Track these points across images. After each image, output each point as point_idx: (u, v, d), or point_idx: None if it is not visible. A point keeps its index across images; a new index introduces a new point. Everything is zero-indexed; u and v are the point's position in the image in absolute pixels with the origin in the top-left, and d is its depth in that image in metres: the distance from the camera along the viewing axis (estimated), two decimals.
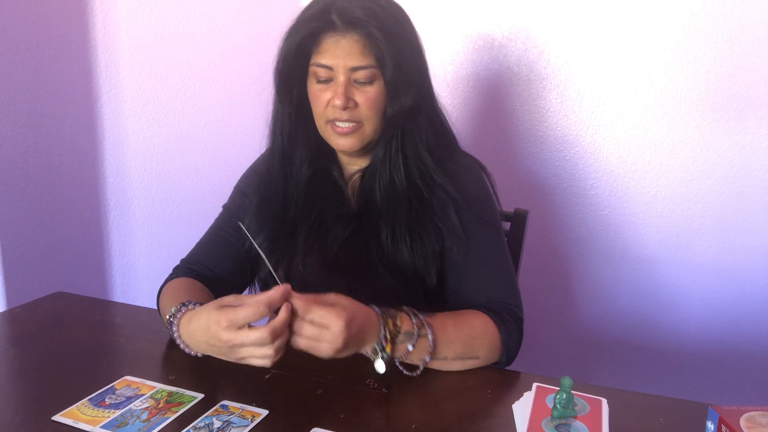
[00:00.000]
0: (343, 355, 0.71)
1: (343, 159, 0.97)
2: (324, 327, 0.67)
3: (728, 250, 1.44)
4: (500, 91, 1.56)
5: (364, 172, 0.93)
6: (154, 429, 0.63)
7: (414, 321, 0.76)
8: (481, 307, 0.85)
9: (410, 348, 0.74)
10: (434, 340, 0.76)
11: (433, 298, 0.91)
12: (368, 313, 0.73)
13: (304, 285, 0.91)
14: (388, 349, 0.73)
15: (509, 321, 0.84)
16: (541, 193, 1.57)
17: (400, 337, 0.74)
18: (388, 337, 0.73)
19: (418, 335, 0.75)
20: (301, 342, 0.69)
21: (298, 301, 0.68)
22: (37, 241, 1.37)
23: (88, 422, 0.64)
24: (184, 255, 1.00)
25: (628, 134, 1.47)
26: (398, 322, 0.74)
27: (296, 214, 0.93)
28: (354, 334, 0.69)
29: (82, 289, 1.39)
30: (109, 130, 1.49)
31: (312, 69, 0.86)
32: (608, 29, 1.43)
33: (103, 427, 0.64)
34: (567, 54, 1.48)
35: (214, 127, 1.68)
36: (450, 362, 0.79)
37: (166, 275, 0.97)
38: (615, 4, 1.41)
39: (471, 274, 0.88)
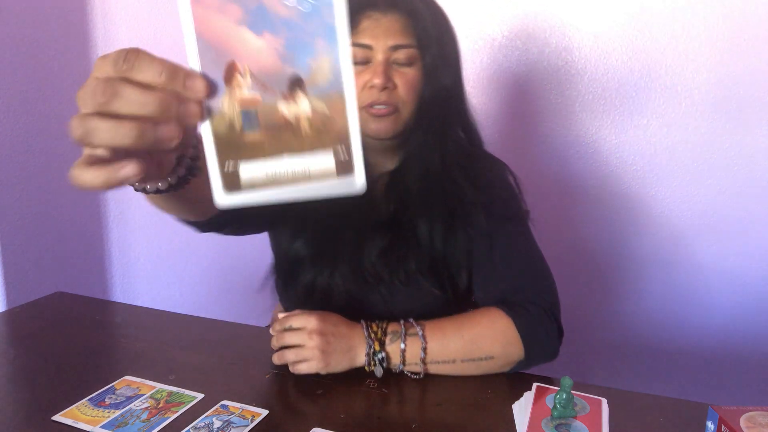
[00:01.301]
0: (334, 362, 0.74)
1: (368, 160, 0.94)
2: (302, 330, 0.73)
3: (728, 250, 1.44)
4: (499, 92, 1.56)
5: (394, 174, 0.89)
6: (154, 429, 0.63)
7: (402, 322, 0.78)
8: (499, 302, 0.81)
9: (403, 346, 0.75)
10: (426, 336, 0.76)
11: (465, 304, 0.88)
12: (347, 320, 0.77)
13: (344, 297, 0.87)
14: (376, 347, 0.75)
15: (530, 311, 0.79)
16: (541, 193, 1.57)
17: (389, 337, 0.76)
18: (373, 336, 0.76)
19: (407, 333, 0.76)
20: (289, 354, 0.74)
21: (277, 318, 0.75)
22: (37, 241, 1.37)
23: (88, 422, 0.64)
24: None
25: (628, 135, 1.47)
26: (383, 324, 0.77)
27: (326, 222, 0.88)
28: (332, 332, 0.74)
29: (82, 289, 1.39)
30: None
31: None
32: (608, 30, 1.43)
33: (103, 427, 0.64)
34: (567, 54, 1.48)
35: None
36: (460, 365, 0.77)
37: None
38: (615, 5, 1.41)
39: (496, 272, 0.85)
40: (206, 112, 0.35)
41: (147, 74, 0.33)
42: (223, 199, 0.36)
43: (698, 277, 1.48)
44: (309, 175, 0.37)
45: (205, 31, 0.35)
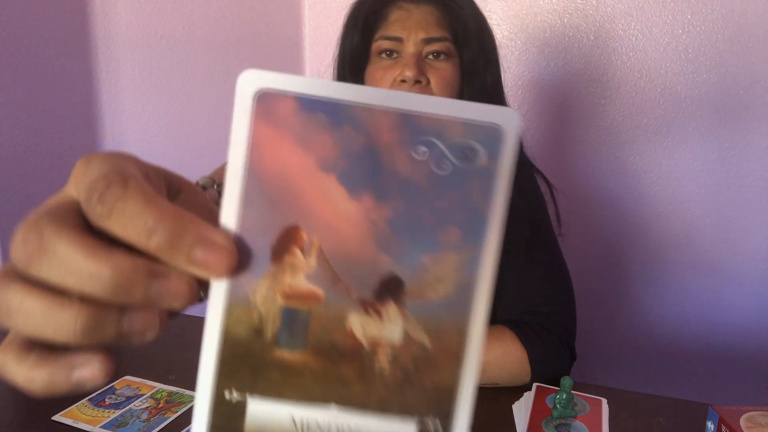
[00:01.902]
0: None
1: None
2: None
3: (728, 250, 1.44)
4: None
5: None
6: (154, 429, 0.63)
7: None
8: (513, 320, 0.77)
9: None
10: None
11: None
12: None
13: None
14: None
15: (544, 340, 0.75)
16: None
17: None
18: None
19: None
20: None
21: None
22: None
23: (88, 422, 0.64)
24: None
25: (628, 135, 1.47)
26: None
27: None
28: None
29: None
30: (109, 130, 1.49)
31: (375, 45, 0.76)
32: (608, 30, 1.43)
33: (103, 427, 0.64)
34: (567, 54, 1.48)
35: (215, 127, 1.68)
36: None
37: None
38: (614, 5, 1.41)
39: (520, 290, 0.80)
40: (218, 297, 0.20)
41: (130, 229, 0.18)
42: None
43: (697, 277, 1.48)
44: None
45: (264, 166, 0.20)
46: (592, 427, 0.63)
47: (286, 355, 0.20)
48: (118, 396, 0.70)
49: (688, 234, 1.47)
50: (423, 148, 0.20)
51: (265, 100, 0.19)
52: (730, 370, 1.50)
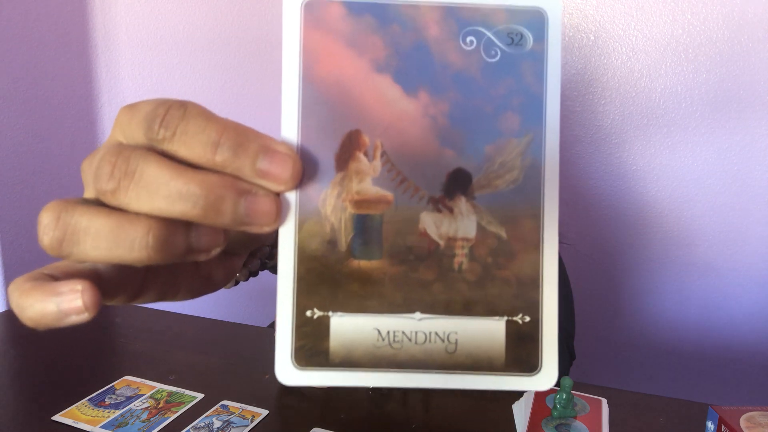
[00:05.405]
0: None
1: None
2: None
3: (728, 250, 1.44)
4: None
5: None
6: (154, 429, 0.63)
7: None
8: None
9: None
10: None
11: None
12: None
13: None
14: None
15: None
16: None
17: None
18: None
19: None
20: None
21: None
22: (38, 241, 1.37)
23: (88, 422, 0.64)
24: None
25: (628, 135, 1.47)
26: None
27: None
28: None
29: None
30: (109, 130, 1.49)
31: None
32: (607, 29, 1.43)
33: (103, 427, 0.64)
34: (567, 55, 1.48)
35: None
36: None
37: None
38: (614, 5, 1.41)
39: None
40: (288, 213, 0.20)
41: (195, 146, 0.19)
42: (290, 376, 0.20)
43: (697, 277, 1.48)
44: (454, 360, 0.20)
45: (318, 74, 0.20)
46: (592, 427, 0.63)
47: (363, 264, 0.20)
48: (118, 396, 0.70)
49: (688, 234, 1.47)
50: (471, 38, 0.20)
51: (312, 8, 0.20)
52: (730, 370, 1.50)
